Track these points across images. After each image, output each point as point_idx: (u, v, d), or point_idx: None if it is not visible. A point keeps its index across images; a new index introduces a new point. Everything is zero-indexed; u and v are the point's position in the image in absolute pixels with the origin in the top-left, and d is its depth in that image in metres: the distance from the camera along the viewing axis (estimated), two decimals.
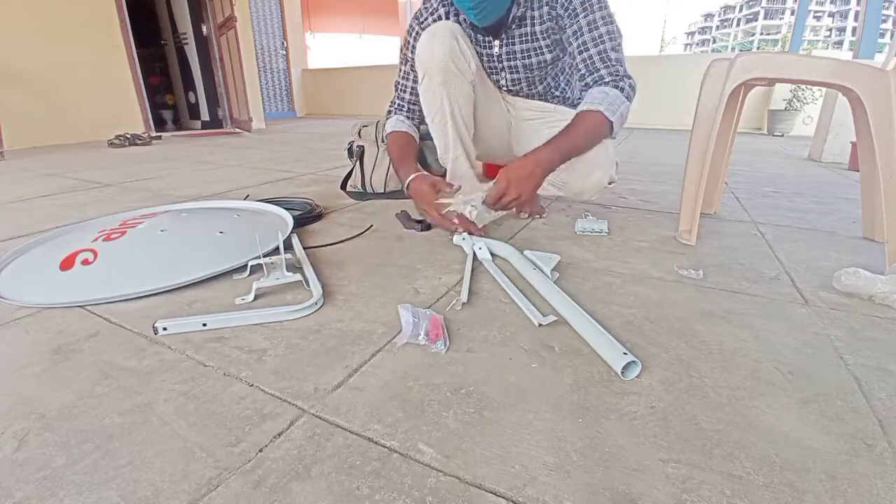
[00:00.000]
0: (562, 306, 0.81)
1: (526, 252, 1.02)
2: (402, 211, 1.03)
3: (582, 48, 1.03)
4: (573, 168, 1.09)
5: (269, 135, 4.42)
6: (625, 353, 0.64)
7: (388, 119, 1.28)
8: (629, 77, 1.04)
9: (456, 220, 1.05)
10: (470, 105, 1.15)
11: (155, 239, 1.07)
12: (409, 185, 1.11)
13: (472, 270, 1.00)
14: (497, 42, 1.13)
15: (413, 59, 1.16)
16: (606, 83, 1.02)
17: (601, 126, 1.00)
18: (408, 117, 1.25)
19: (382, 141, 1.68)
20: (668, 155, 2.85)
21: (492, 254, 1.07)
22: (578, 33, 1.03)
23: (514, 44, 1.12)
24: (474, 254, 1.05)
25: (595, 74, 1.03)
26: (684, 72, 4.55)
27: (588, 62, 1.03)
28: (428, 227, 1.02)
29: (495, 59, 1.16)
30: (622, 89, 1.02)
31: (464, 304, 0.85)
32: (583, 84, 1.07)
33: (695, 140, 1.19)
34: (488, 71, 1.20)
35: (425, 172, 1.11)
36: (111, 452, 0.51)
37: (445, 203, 1.05)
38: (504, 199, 0.98)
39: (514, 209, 0.99)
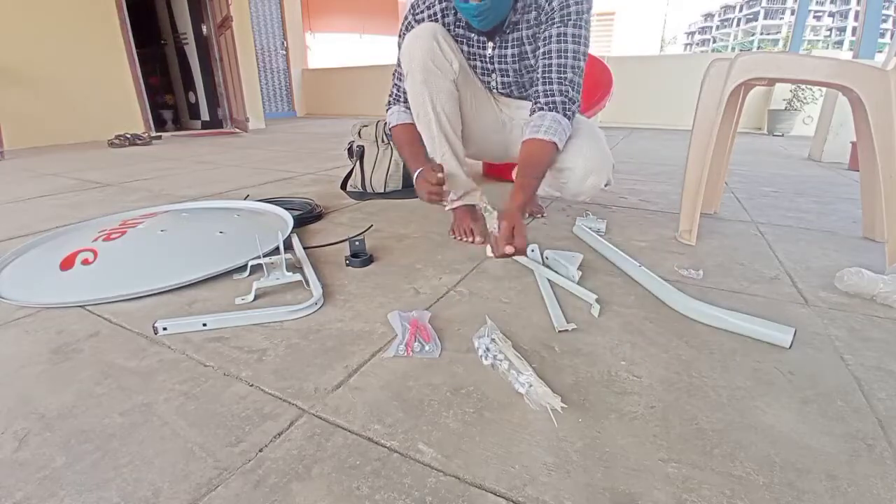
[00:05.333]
0: (686, 305, 0.82)
1: (548, 252, 1.02)
2: (354, 241, 1.06)
3: (545, 55, 1.05)
4: (571, 173, 1.10)
5: (270, 135, 4.43)
6: (783, 326, 0.71)
7: (388, 109, 1.28)
8: (574, 102, 1.06)
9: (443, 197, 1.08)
10: (454, 103, 1.15)
11: (155, 239, 1.07)
12: (416, 176, 1.12)
13: (472, 270, 1.00)
14: (490, 44, 1.14)
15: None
16: (554, 103, 1.04)
17: (553, 155, 1.04)
18: (407, 107, 1.24)
19: (383, 140, 1.68)
20: (668, 155, 2.85)
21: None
22: (547, 41, 1.05)
23: (505, 47, 1.13)
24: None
25: (547, 86, 1.05)
26: (684, 72, 4.54)
27: (545, 70, 1.05)
28: (366, 264, 1.05)
29: (487, 60, 1.17)
30: (569, 117, 1.05)
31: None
32: (533, 90, 1.08)
33: (695, 140, 1.19)
34: (481, 72, 1.21)
35: (428, 165, 1.12)
36: (111, 452, 0.51)
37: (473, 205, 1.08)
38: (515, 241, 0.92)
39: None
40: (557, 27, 1.03)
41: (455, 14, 1.14)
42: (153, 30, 5.23)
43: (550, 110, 1.04)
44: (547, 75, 1.05)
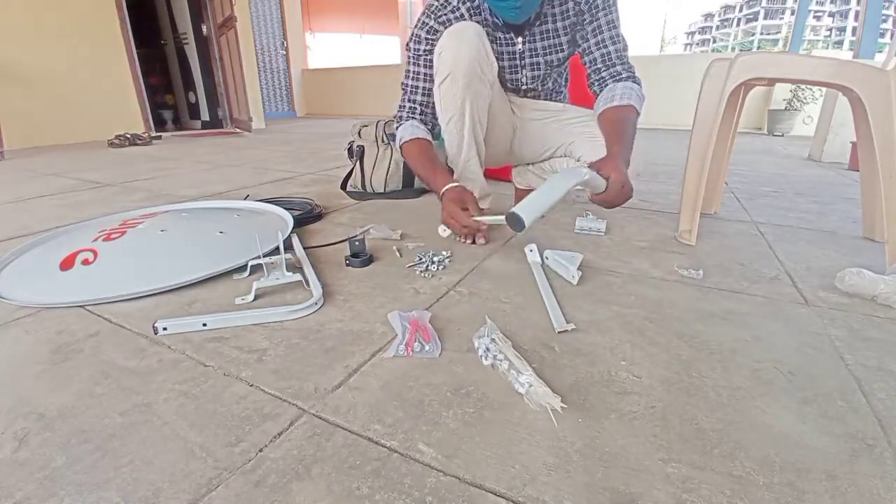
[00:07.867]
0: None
1: (548, 252, 1.02)
2: (353, 241, 1.04)
3: (601, 45, 1.11)
4: None
5: (269, 135, 4.42)
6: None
7: (399, 125, 1.22)
8: (637, 78, 1.14)
9: (476, 236, 1.13)
10: (486, 108, 1.16)
11: (155, 239, 1.07)
12: (444, 193, 1.09)
13: (472, 270, 1.00)
14: (520, 39, 1.14)
15: (424, 55, 1.13)
16: (624, 78, 1.12)
17: (636, 119, 1.10)
18: (422, 121, 1.20)
19: (383, 140, 1.68)
20: (668, 155, 2.85)
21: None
22: (598, 30, 1.11)
23: (535, 41, 1.14)
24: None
25: (612, 69, 1.12)
26: (684, 72, 4.55)
27: (606, 58, 1.12)
28: (366, 264, 1.04)
29: (517, 56, 1.17)
30: (640, 85, 1.12)
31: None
32: (598, 77, 1.14)
33: (695, 140, 1.19)
34: (509, 69, 1.20)
35: (460, 184, 1.09)
36: (111, 452, 0.51)
37: (482, 220, 1.05)
38: (624, 190, 0.95)
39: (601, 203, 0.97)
40: (605, 15, 1.09)
41: (481, 14, 1.12)
42: (153, 30, 5.23)
43: (618, 82, 1.11)
44: (609, 61, 1.12)
